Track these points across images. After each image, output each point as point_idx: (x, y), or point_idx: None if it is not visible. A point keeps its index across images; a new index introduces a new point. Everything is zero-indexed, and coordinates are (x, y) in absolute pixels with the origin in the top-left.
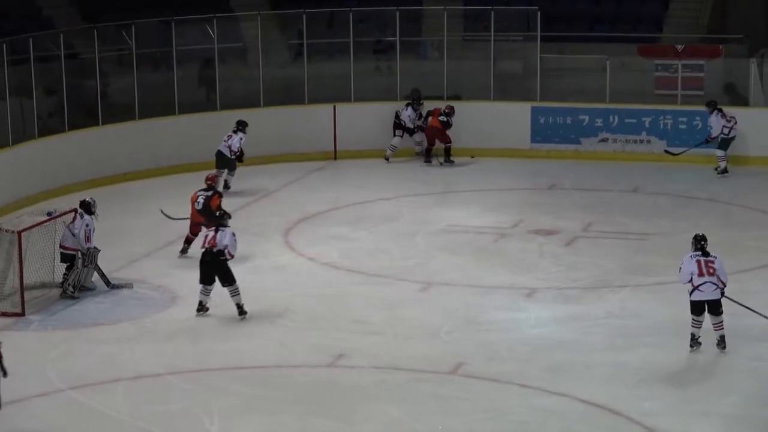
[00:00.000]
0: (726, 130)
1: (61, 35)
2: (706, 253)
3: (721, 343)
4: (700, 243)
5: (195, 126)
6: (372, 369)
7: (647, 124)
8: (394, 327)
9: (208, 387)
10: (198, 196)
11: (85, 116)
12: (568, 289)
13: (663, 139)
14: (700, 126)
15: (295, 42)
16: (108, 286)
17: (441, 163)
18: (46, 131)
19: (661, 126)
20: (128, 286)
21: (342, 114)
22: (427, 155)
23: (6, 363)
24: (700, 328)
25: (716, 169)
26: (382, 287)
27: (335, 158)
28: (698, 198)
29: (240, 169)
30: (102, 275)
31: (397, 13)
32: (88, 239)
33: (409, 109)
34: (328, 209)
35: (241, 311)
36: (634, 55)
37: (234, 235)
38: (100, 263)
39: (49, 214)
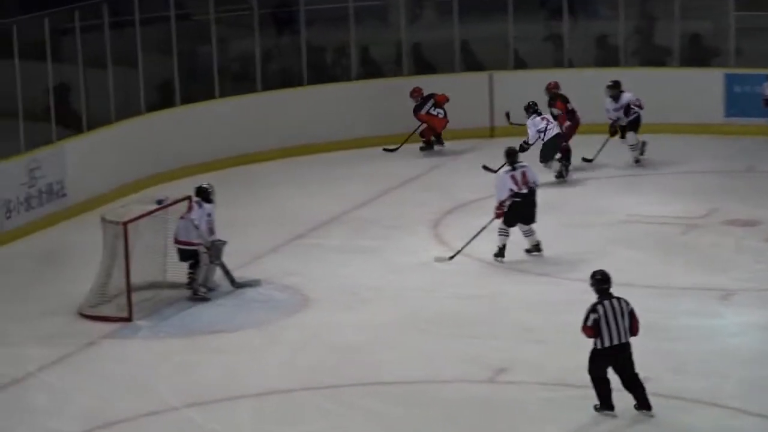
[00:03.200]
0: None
1: None
2: None
3: None
4: None
5: (325, 100)
6: (537, 385)
7: None
8: (562, 335)
9: (345, 405)
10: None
11: (199, 88)
12: None
13: None
14: None
15: None
16: (233, 285)
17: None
18: (153, 106)
19: None
20: (255, 284)
21: (500, 84)
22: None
23: (111, 375)
24: None
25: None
26: (548, 287)
27: (491, 136)
28: None
29: (371, 152)
30: (227, 273)
31: None
32: (212, 231)
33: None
34: (483, 196)
35: (538, 248)
36: None
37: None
38: None
39: (159, 202)
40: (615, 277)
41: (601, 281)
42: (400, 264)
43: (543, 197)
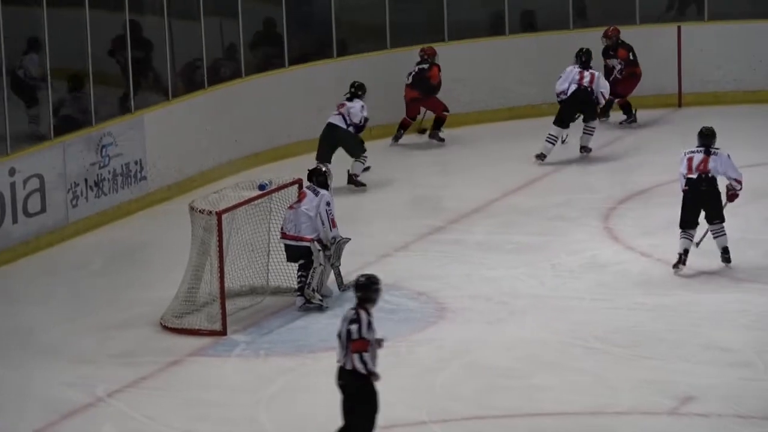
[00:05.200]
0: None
1: None
2: None
3: None
4: None
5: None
6: (735, 418)
7: None
8: (766, 355)
9: None
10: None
11: (312, 47)
12: None
13: None
14: None
15: None
16: (340, 288)
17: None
18: (253, 67)
19: None
20: None
21: (690, 39)
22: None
23: (198, 402)
24: None
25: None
26: (749, 295)
27: (679, 105)
28: None
29: (532, 123)
30: (338, 275)
31: None
32: (333, 224)
33: None
34: (666, 181)
35: (726, 256)
36: None
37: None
38: None
39: (261, 187)
40: None
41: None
42: (562, 266)
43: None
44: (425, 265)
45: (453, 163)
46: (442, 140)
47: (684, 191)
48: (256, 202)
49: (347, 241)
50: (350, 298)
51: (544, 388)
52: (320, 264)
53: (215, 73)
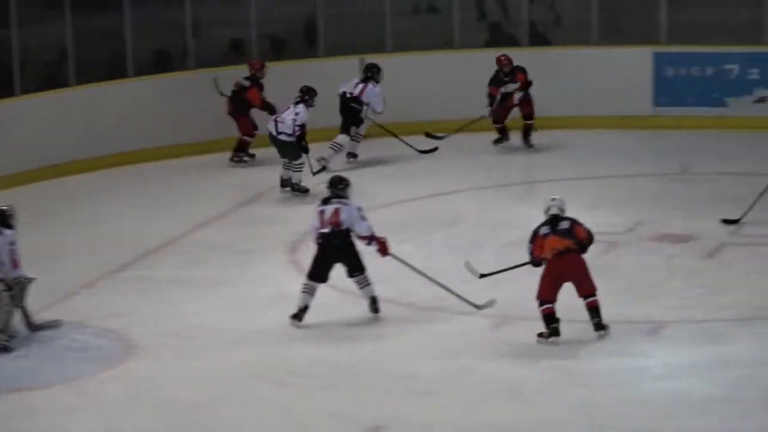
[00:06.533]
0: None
1: None
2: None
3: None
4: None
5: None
6: None
7: None
8: (455, 384)
9: None
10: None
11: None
12: (712, 321)
13: None
14: None
15: None
16: (29, 328)
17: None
18: None
19: None
20: (55, 325)
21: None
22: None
23: None
24: None
25: None
26: (436, 325)
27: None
28: None
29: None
30: (25, 314)
31: None
32: (16, 264)
33: None
34: None
35: (375, 306)
36: None
37: (361, 209)
38: None
39: None
40: (516, 309)
41: None
42: (250, 300)
43: (420, 209)
44: (113, 302)
45: (140, 198)
46: (245, 161)
47: (318, 245)
48: None
49: (30, 281)
50: (39, 339)
51: (233, 421)
52: (6, 305)
53: None
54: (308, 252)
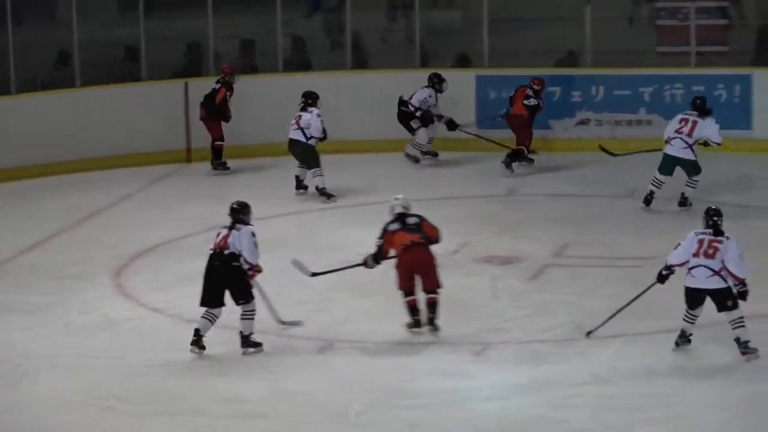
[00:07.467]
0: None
1: None
2: (718, 232)
3: (741, 346)
4: (712, 219)
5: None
6: None
7: (646, 98)
8: (279, 406)
9: None
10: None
11: None
12: (536, 342)
13: (670, 118)
14: (724, 97)
15: None
16: None
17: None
18: None
19: (667, 99)
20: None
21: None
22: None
23: None
24: (692, 323)
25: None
26: (264, 347)
27: (189, 160)
28: (727, 204)
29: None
30: None
31: None
32: None
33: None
34: (180, 236)
35: (248, 343)
36: None
37: (254, 235)
38: None
39: None
40: (341, 332)
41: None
42: (76, 324)
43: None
44: None
45: None
46: (228, 169)
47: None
48: None
49: None
50: None
51: None
52: None
53: None
54: (134, 275)
